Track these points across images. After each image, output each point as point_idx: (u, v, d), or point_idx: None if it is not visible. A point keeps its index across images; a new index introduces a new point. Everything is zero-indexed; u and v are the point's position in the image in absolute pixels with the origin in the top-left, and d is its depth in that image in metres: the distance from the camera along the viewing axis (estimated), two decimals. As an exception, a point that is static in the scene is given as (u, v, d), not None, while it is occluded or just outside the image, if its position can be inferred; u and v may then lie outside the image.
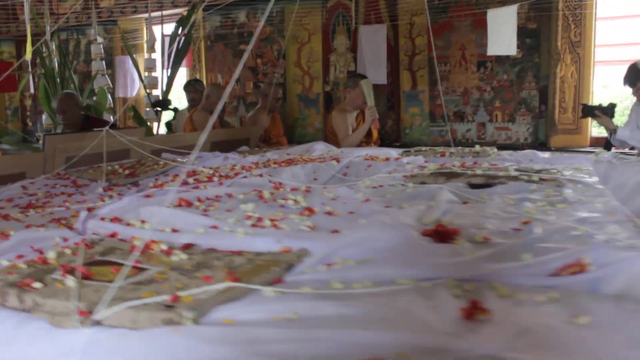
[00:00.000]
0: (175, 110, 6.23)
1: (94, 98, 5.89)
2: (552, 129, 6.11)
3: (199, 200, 1.97)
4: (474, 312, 0.91)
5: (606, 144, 4.25)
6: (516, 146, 6.25)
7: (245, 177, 2.49)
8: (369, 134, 5.05)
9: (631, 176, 3.02)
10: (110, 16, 8.03)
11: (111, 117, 6.03)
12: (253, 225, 1.54)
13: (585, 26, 6.02)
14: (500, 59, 6.19)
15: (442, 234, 1.23)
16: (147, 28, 6.11)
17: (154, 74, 5.91)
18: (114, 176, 2.75)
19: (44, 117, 6.01)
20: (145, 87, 5.83)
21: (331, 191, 1.99)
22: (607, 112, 4.05)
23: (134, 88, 7.51)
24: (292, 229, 1.47)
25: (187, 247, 1.39)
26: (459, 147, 3.68)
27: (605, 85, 10.37)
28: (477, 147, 3.52)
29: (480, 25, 5.98)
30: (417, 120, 6.70)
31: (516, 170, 2.21)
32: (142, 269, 1.25)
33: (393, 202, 1.70)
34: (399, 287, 1.05)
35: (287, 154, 3.58)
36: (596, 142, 6.08)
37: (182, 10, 7.19)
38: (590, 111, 4.12)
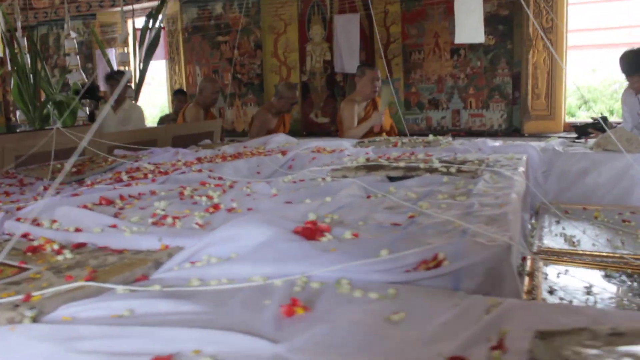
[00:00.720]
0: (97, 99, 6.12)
1: (69, 93, 5.91)
2: (525, 115, 6.14)
3: (121, 198, 2.01)
4: (293, 310, 0.95)
5: (578, 129, 4.12)
6: (490, 133, 6.28)
7: (183, 172, 2.52)
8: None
9: (574, 163, 3.07)
10: (89, 10, 8.04)
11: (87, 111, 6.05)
12: (153, 224, 1.58)
13: (557, 12, 6.02)
14: (473, 46, 6.20)
15: (309, 232, 1.27)
16: (122, 21, 6.11)
17: (128, 68, 5.93)
18: (60, 174, 2.77)
19: (18, 112, 6.03)
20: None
21: (252, 186, 2.03)
22: (600, 127, 3.90)
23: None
24: (183, 226, 1.51)
25: (77, 247, 1.43)
26: (413, 137, 3.71)
27: (594, 69, 10.38)
28: (431, 137, 3.54)
29: (453, 12, 5.98)
30: (392, 109, 6.71)
31: (440, 161, 2.24)
32: (24, 269, 1.29)
33: (299, 197, 1.74)
34: (246, 284, 1.09)
35: (244, 147, 3.62)
36: (570, 127, 6.12)
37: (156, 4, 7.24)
38: (583, 131, 3.96)
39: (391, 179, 2.06)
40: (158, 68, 8.25)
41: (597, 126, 3.82)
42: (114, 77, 5.20)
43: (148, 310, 0.99)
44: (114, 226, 1.56)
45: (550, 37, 6.07)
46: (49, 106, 5.54)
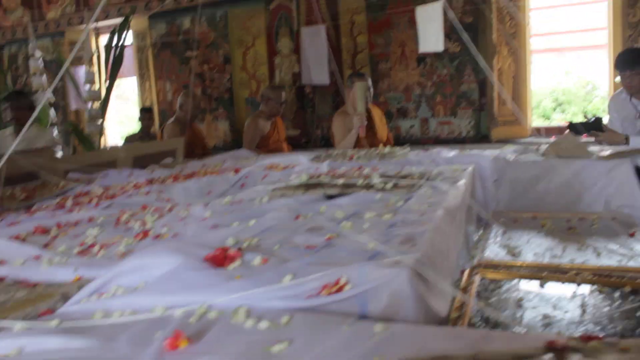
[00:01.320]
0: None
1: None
2: (492, 121, 6.19)
3: (58, 226, 2.01)
4: (176, 343, 0.96)
5: (574, 127, 3.82)
6: (459, 140, 6.33)
7: (130, 195, 2.52)
8: (374, 135, 4.86)
9: (525, 171, 3.10)
10: (58, 27, 8.02)
11: (55, 132, 6.04)
12: (78, 253, 1.58)
13: (520, 17, 6.10)
14: (439, 54, 6.24)
15: (218, 259, 1.28)
16: (86, 39, 6.10)
17: (93, 86, 5.92)
18: (9, 200, 2.77)
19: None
20: (83, 101, 5.84)
21: (190, 209, 2.04)
22: (596, 127, 3.64)
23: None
24: (106, 255, 1.52)
25: (-4, 281, 1.43)
26: (370, 149, 3.73)
27: (567, 72, 10.48)
28: (387, 149, 3.57)
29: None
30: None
31: (381, 176, 2.26)
32: None
33: (227, 220, 1.75)
34: (143, 317, 1.10)
35: (202, 165, 3.62)
36: (537, 132, 6.18)
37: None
38: (578, 129, 3.62)
39: (328, 197, 2.08)
40: (131, 85, 8.24)
41: (595, 126, 3.66)
42: (11, 98, 4.75)
43: (37, 348, 0.99)
44: (37, 257, 1.56)
45: (514, 42, 6.14)
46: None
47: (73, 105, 7.82)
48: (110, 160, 3.96)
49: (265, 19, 6.96)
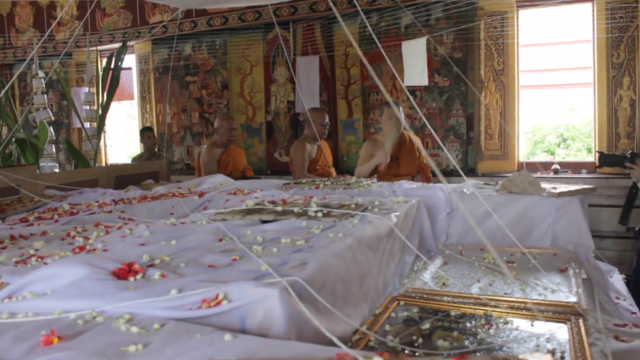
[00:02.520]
0: None
1: (35, 131, 6.11)
2: (478, 155, 6.32)
3: (12, 238, 2.16)
4: (50, 339, 1.10)
5: (605, 158, 3.91)
6: (446, 172, 6.45)
7: (92, 213, 2.69)
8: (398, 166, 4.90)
9: (479, 205, 3.21)
10: (67, 48, 8.30)
11: (53, 149, 6.24)
12: (15, 262, 1.74)
13: (508, 55, 6.26)
14: (428, 88, 6.41)
15: (123, 272, 1.42)
16: (88, 61, 6.34)
17: (92, 107, 6.14)
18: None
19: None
20: (81, 120, 6.06)
21: (135, 229, 2.19)
22: (632, 160, 3.64)
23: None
24: (36, 266, 1.67)
25: None
26: (338, 178, 3.87)
27: (572, 108, 10.60)
28: (353, 179, 3.71)
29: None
30: (353, 148, 6.91)
31: (320, 205, 2.40)
32: None
33: (155, 239, 1.90)
34: (40, 318, 1.25)
35: (178, 187, 3.78)
36: (523, 167, 6.28)
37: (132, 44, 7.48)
38: (609, 161, 3.74)
39: (263, 222, 2.22)
40: (126, 108, 8.48)
41: (629, 159, 3.70)
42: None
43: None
44: (-26, 267, 1.71)
45: (502, 78, 6.30)
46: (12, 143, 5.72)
47: (76, 123, 8.08)
48: (91, 179, 4.15)
49: (263, 48, 7.18)
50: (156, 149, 7.09)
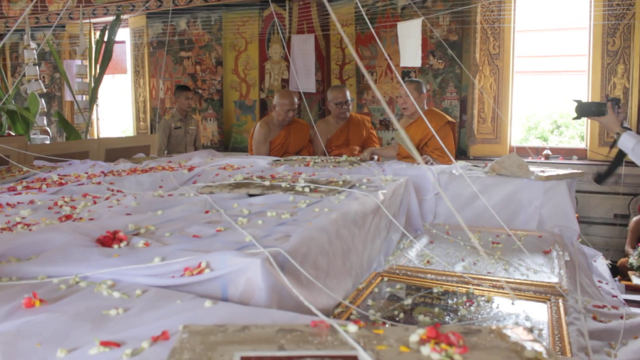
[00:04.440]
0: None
1: (26, 103, 6.07)
2: (470, 138, 6.33)
3: (-1, 205, 2.17)
4: (32, 302, 1.11)
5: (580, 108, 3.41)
6: (438, 154, 6.46)
7: (81, 184, 2.68)
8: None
9: (467, 187, 3.23)
10: (60, 20, 8.22)
11: (44, 121, 6.21)
12: (1, 229, 1.75)
13: (504, 39, 6.24)
14: (423, 69, 6.40)
15: (107, 240, 1.43)
16: (81, 33, 6.28)
17: (84, 80, 6.10)
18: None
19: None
20: (73, 93, 6.02)
21: (123, 199, 2.19)
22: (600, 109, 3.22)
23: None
24: (22, 233, 1.67)
25: None
26: (326, 157, 3.88)
27: (565, 98, 10.59)
28: (344, 157, 3.72)
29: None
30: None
31: (308, 181, 2.41)
32: None
33: (145, 209, 1.90)
34: (23, 282, 1.26)
35: (168, 162, 3.77)
36: (514, 151, 6.30)
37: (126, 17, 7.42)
38: (585, 110, 3.22)
39: (251, 195, 2.23)
40: (123, 81, 8.42)
41: (603, 106, 3.11)
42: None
43: None
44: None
45: (497, 62, 6.29)
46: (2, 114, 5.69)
47: (67, 96, 8.03)
48: (82, 151, 4.13)
49: (259, 25, 7.13)
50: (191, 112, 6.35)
